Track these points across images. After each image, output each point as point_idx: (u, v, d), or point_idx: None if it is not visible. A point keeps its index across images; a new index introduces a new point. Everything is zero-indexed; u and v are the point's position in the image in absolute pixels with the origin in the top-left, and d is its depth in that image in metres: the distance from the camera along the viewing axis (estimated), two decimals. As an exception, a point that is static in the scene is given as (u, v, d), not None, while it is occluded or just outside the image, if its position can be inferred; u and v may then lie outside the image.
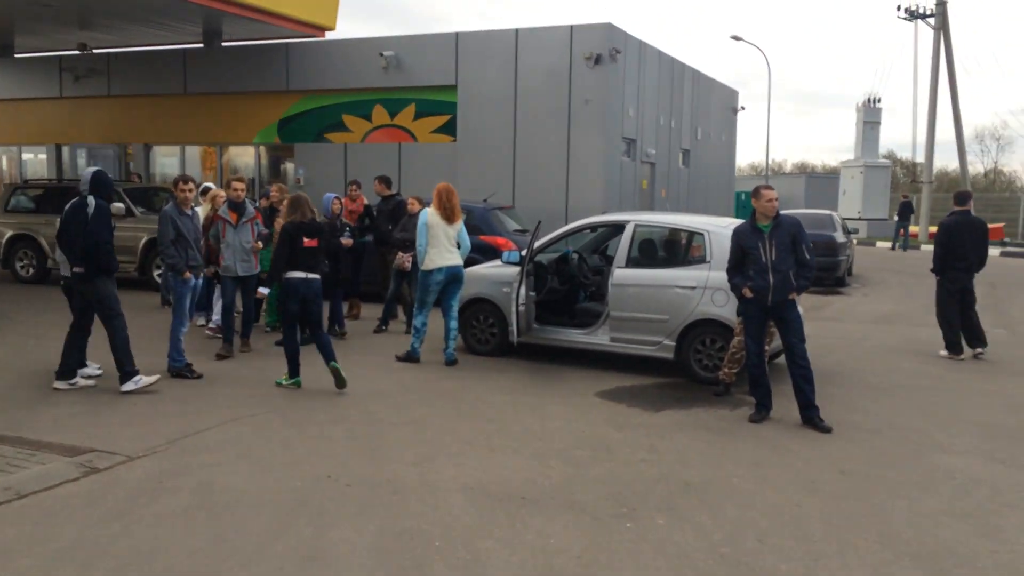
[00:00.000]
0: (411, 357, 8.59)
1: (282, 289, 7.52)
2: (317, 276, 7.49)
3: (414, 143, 17.40)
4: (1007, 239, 30.57)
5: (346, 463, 5.50)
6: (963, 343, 9.53)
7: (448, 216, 8.52)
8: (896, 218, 28.51)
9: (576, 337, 8.64)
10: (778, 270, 6.47)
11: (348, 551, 4.20)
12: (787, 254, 6.49)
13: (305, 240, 7.41)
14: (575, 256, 9.61)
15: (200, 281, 8.23)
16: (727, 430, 6.46)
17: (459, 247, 8.64)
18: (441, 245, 8.47)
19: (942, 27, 31.57)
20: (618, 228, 8.84)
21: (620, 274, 8.32)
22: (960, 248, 9.42)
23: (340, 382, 7.29)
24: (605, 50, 15.62)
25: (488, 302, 8.99)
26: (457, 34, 16.93)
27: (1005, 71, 77.11)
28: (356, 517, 4.62)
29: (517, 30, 16.39)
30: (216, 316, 9.70)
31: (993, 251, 10.96)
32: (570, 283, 9.47)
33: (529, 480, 5.25)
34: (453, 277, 8.57)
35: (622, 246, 8.44)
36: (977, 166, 53.19)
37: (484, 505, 4.82)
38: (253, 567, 4.02)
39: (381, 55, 17.21)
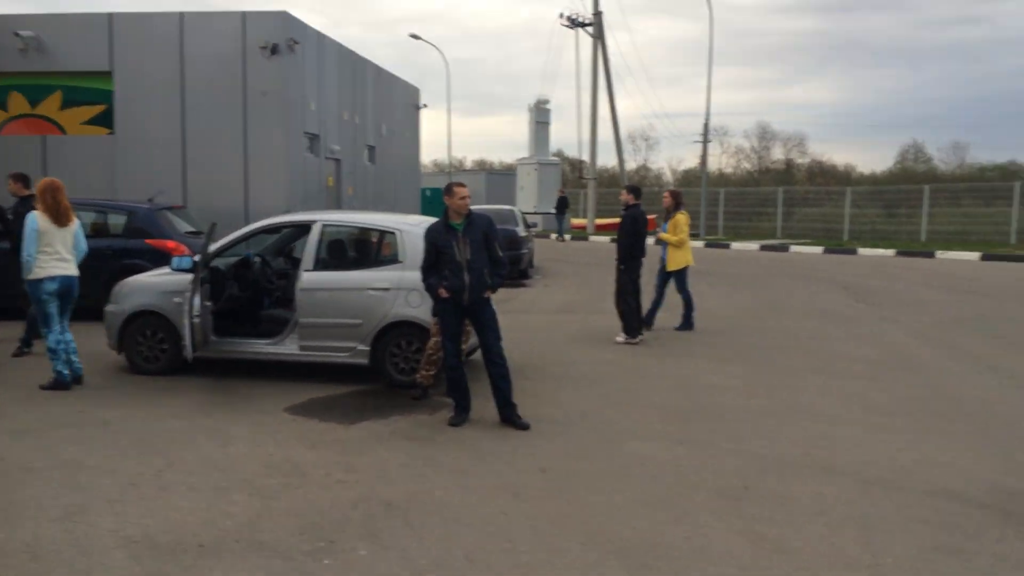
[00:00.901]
0: (59, 384, 7.31)
1: None
2: None
3: (62, 136, 15.18)
4: (658, 229, 34.32)
5: (-34, 530, 4.39)
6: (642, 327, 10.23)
7: (58, 218, 7.38)
8: (555, 211, 32.40)
9: (262, 348, 7.93)
10: (473, 268, 6.32)
11: (-38, 654, 3.26)
12: (481, 252, 6.37)
13: None
14: (257, 260, 8.84)
15: None
16: (427, 437, 6.19)
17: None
18: (56, 252, 7.36)
19: (599, 36, 34.46)
20: (304, 228, 8.25)
21: (308, 278, 7.75)
22: (641, 239, 10.11)
23: None
24: (282, 40, 14.77)
25: (156, 315, 7.94)
26: (111, 15, 15.05)
27: (651, 79, 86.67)
28: (-23, 602, 3.65)
29: (182, 14, 14.96)
30: None
31: (647, 240, 12.05)
32: (252, 289, 8.70)
33: (208, 522, 4.55)
34: (67, 290, 7.49)
35: (309, 248, 7.89)
36: (631, 163, 59.19)
37: (151, 561, 4.05)
38: None
39: (17, 35, 14.83)
